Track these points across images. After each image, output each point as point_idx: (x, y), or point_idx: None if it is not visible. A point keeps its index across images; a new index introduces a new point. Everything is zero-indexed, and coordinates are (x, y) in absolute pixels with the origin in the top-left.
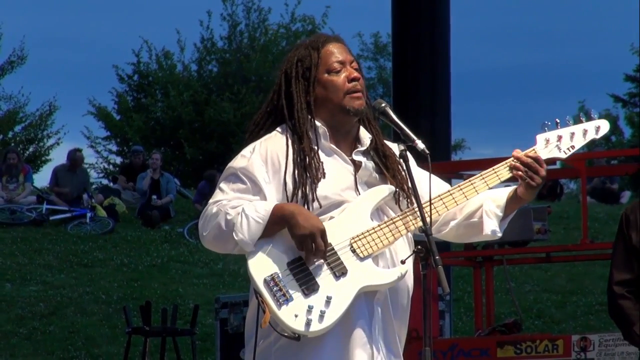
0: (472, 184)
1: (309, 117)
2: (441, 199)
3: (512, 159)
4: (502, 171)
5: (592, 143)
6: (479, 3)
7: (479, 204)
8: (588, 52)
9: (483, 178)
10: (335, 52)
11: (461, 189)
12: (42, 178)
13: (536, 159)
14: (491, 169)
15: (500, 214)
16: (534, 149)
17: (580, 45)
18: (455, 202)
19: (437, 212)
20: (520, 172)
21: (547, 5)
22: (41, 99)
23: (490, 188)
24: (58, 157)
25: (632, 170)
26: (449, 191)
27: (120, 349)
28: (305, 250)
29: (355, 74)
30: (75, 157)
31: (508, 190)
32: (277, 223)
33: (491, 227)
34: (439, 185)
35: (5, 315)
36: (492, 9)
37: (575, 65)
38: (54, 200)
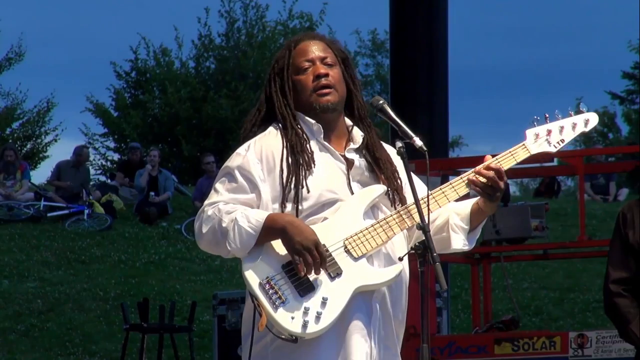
0: (462, 180)
1: (300, 113)
2: (433, 197)
3: (472, 173)
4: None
5: (582, 136)
6: (477, 0)
7: (446, 218)
8: (585, 49)
9: (467, 180)
10: (306, 51)
11: (452, 186)
12: (39, 175)
13: (497, 171)
14: (482, 164)
15: (467, 227)
16: (523, 144)
17: (578, 42)
18: (447, 198)
19: (430, 209)
20: (477, 188)
21: (544, 3)
22: (39, 96)
23: (461, 197)
24: (56, 154)
25: (630, 167)
26: (440, 188)
27: (117, 346)
28: (300, 264)
29: (322, 70)
30: (81, 153)
31: (472, 203)
32: (270, 234)
33: (458, 242)
34: (422, 188)
35: (3, 311)
36: (489, 6)
37: (573, 63)
38: (52, 197)
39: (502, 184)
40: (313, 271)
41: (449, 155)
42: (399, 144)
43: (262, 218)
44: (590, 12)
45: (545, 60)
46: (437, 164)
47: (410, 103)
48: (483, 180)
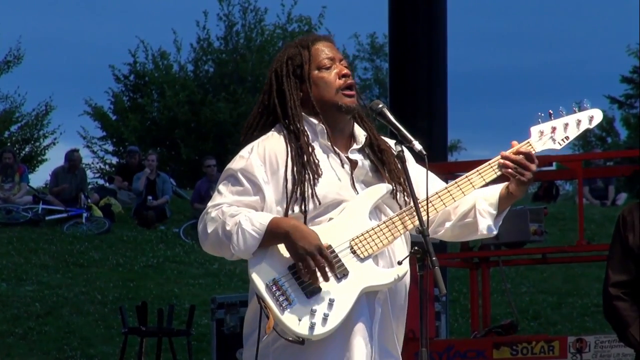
0: (469, 179)
1: (303, 114)
2: (439, 196)
3: (499, 157)
4: (498, 165)
5: (581, 140)
6: (476, 4)
7: (472, 204)
8: (584, 53)
9: (479, 173)
10: (325, 50)
11: (458, 185)
12: (38, 178)
13: (527, 155)
14: (487, 163)
15: (494, 212)
16: (528, 142)
17: (577, 47)
18: (453, 198)
19: (435, 209)
20: (509, 170)
21: (543, 7)
22: (37, 99)
23: (487, 182)
24: (54, 157)
25: (628, 171)
26: (446, 188)
27: (116, 349)
28: (303, 270)
29: (346, 70)
30: (73, 158)
31: (500, 188)
32: (274, 238)
33: (486, 225)
34: (436, 183)
35: (1, 315)
36: (488, 10)
37: (572, 67)
38: (50, 200)
39: (533, 167)
40: (317, 277)
41: (448, 159)
42: (398, 147)
43: (265, 222)
44: (589, 17)
45: (544, 65)
46: (436, 168)
47: (409, 107)
48: (513, 164)
